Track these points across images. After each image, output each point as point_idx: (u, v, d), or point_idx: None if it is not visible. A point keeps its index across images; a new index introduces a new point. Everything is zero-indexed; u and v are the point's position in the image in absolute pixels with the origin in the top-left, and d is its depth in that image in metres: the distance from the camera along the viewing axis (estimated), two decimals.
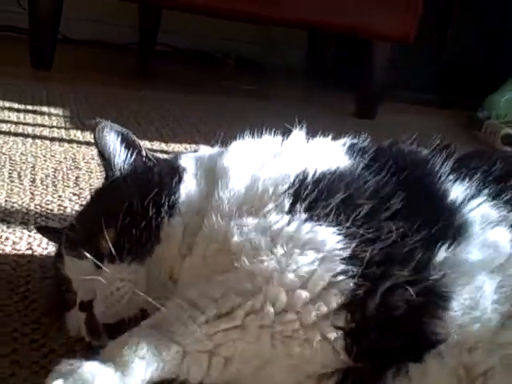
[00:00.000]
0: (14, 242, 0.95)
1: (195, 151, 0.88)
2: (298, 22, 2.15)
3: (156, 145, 1.61)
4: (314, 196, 0.62)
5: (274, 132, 0.80)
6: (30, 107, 1.80)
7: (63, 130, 1.62)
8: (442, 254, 0.58)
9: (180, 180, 0.72)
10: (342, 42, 3.07)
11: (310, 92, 3.03)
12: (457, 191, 0.63)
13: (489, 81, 2.92)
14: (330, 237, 0.59)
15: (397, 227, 0.58)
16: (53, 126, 1.64)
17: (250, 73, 3.33)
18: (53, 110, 1.81)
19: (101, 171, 1.32)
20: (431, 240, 0.58)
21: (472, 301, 0.56)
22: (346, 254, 0.58)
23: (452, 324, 0.55)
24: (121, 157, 0.78)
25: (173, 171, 0.73)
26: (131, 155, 0.79)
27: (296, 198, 0.63)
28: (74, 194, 1.18)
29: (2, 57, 2.57)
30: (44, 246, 0.94)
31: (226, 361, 0.57)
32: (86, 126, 0.75)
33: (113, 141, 0.78)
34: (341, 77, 2.95)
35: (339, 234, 0.59)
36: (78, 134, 1.59)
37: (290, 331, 0.56)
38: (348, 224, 0.59)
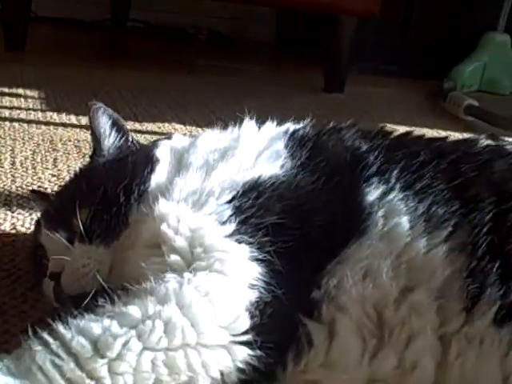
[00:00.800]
0: None
1: (168, 138, 0.92)
2: (265, 0, 2.21)
3: (130, 124, 1.66)
4: (250, 211, 0.68)
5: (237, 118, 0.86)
6: (6, 90, 1.85)
7: (40, 113, 1.67)
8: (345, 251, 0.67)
9: (152, 170, 0.77)
10: (311, 16, 3.13)
11: (280, 67, 3.08)
12: (374, 194, 0.70)
13: (456, 52, 3.01)
14: (244, 262, 0.65)
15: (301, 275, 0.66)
16: (29, 109, 1.69)
17: (222, 48, 3.37)
18: (28, 92, 1.85)
19: (77, 152, 1.39)
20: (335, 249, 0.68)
21: (366, 277, 0.66)
22: (256, 280, 0.64)
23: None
24: (110, 140, 0.84)
25: (146, 161, 0.79)
26: (119, 139, 0.84)
27: (236, 209, 0.69)
28: (53, 176, 1.24)
29: None
30: (27, 226, 1.01)
31: None
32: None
33: (104, 123, 0.84)
34: (310, 51, 3.01)
35: (257, 260, 0.65)
36: (54, 116, 1.65)
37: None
38: (273, 249, 0.66)
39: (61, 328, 0.60)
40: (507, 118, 2.15)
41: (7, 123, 1.54)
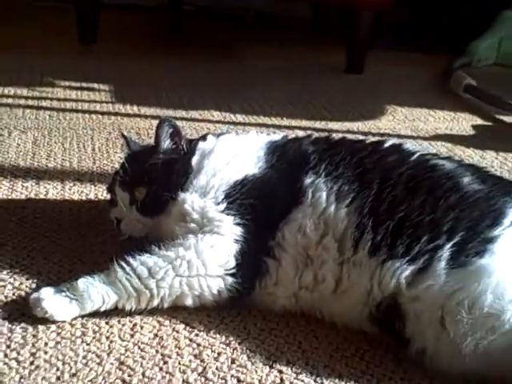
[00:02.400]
0: (86, 194, 1.53)
1: (204, 139, 1.32)
2: None
3: (178, 112, 2.14)
4: (236, 195, 1.15)
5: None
6: (84, 84, 2.36)
7: (110, 105, 2.18)
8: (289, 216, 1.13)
9: (186, 179, 1.22)
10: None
11: (314, 48, 3.46)
12: (309, 180, 1.14)
13: (476, 28, 3.33)
14: (231, 226, 1.12)
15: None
16: (102, 101, 2.20)
17: (266, 29, 3.77)
18: (101, 86, 2.36)
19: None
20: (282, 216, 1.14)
21: (299, 230, 1.12)
22: (239, 237, 1.11)
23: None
24: (165, 144, 1.27)
25: (185, 171, 1.23)
26: (173, 145, 1.27)
27: (227, 196, 1.15)
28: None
29: (49, 28, 3.10)
30: (105, 196, 1.51)
31: (151, 297, 1.08)
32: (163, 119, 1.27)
33: (165, 132, 1.27)
34: (339, 33, 3.39)
35: (239, 225, 1.12)
36: (120, 107, 2.15)
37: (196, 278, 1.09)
38: (248, 218, 1.13)
39: (131, 260, 1.11)
40: (500, 98, 2.49)
41: (87, 115, 2.05)
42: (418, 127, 2.21)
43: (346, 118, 2.22)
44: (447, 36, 3.40)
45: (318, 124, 2.14)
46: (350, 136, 1.62)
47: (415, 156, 1.19)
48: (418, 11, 3.45)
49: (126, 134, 1.47)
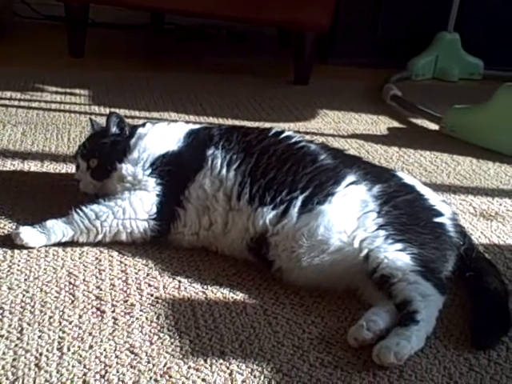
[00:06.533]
0: (59, 170, 1.99)
1: (143, 126, 1.83)
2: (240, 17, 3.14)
3: (142, 114, 2.61)
4: (158, 164, 1.61)
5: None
6: (68, 90, 2.84)
7: (87, 106, 2.65)
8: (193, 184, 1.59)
9: (125, 153, 1.66)
10: None
11: (274, 62, 3.94)
12: (210, 151, 1.59)
13: (417, 46, 3.82)
14: (154, 185, 1.58)
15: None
16: (81, 104, 2.67)
17: (237, 46, 4.26)
18: (82, 92, 2.83)
19: None
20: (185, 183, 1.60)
21: (200, 187, 1.58)
22: (159, 192, 1.57)
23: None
24: (113, 130, 1.74)
25: (124, 147, 1.68)
26: (119, 130, 1.74)
27: (152, 164, 1.61)
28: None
29: (44, 44, 3.59)
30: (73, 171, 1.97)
31: (97, 233, 1.54)
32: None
33: (113, 122, 1.74)
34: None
35: (159, 184, 1.58)
36: (95, 109, 2.62)
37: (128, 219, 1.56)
38: (166, 179, 1.59)
39: (84, 207, 1.57)
40: (418, 107, 2.96)
41: (67, 114, 2.52)
42: (340, 128, 2.68)
43: (281, 119, 2.69)
44: (392, 53, 3.89)
45: (257, 124, 2.60)
46: None
47: (291, 140, 1.65)
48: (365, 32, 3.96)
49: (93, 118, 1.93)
